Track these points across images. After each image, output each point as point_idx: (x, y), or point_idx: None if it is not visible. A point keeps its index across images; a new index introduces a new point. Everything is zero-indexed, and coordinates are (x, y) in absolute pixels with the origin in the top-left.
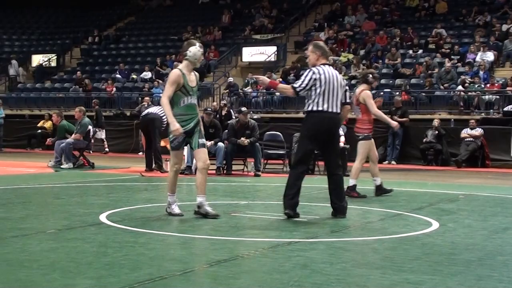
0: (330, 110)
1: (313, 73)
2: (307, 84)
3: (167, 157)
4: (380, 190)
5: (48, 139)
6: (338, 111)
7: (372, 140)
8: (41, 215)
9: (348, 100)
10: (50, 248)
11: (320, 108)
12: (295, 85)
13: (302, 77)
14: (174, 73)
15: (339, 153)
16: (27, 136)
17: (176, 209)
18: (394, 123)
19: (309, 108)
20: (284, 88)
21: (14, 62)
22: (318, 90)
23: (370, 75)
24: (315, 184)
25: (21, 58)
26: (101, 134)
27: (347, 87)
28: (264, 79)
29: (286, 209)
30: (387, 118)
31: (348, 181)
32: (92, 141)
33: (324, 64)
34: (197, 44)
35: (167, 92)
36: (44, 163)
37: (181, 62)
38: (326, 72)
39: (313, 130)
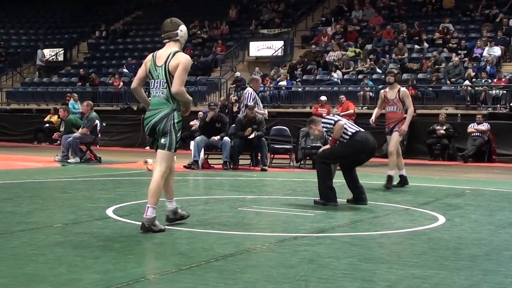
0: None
1: None
2: None
3: None
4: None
5: (55, 134)
6: None
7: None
8: (48, 209)
9: None
10: (57, 242)
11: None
12: None
13: None
14: (189, 59)
15: None
16: (34, 130)
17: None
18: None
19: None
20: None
21: (39, 51)
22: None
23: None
24: None
25: (28, 52)
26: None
27: None
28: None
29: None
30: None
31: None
32: (99, 135)
33: None
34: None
35: (184, 80)
36: (51, 157)
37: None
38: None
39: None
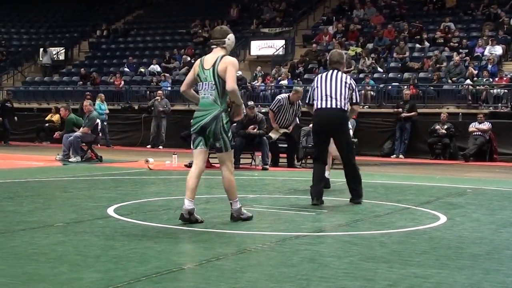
0: (327, 106)
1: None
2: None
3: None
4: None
5: (56, 133)
6: (334, 106)
7: None
8: (49, 209)
9: (357, 100)
10: (58, 242)
11: (317, 107)
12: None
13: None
14: (236, 60)
15: (347, 144)
16: (36, 129)
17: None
18: None
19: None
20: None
21: (49, 50)
22: (314, 91)
23: None
24: None
25: (30, 51)
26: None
27: (355, 86)
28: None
29: (312, 199)
30: None
31: None
32: (100, 134)
33: (333, 69)
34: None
35: (235, 79)
36: (52, 157)
37: (189, 55)
38: (321, 76)
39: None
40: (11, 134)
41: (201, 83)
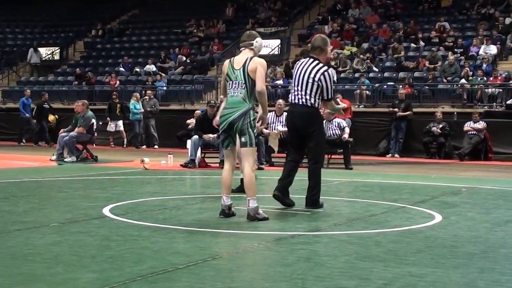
0: (294, 101)
1: None
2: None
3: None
4: None
5: (61, 130)
6: (302, 102)
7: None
8: (44, 209)
9: (328, 96)
10: (54, 242)
11: (290, 101)
12: None
13: None
14: (264, 62)
15: (315, 146)
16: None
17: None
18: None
19: None
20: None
21: (39, 49)
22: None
23: None
24: None
25: (25, 51)
26: (118, 127)
27: (324, 81)
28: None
29: (274, 190)
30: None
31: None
32: (96, 134)
33: (310, 57)
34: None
35: (265, 80)
36: (47, 157)
37: (185, 54)
38: (298, 65)
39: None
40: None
41: (231, 82)
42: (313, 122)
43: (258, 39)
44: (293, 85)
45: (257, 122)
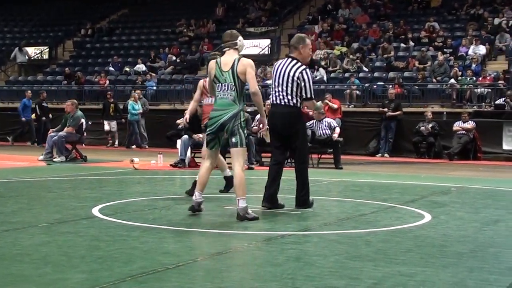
0: (276, 102)
1: None
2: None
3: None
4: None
5: (50, 130)
6: (284, 102)
7: None
8: (33, 209)
9: (307, 95)
10: (42, 242)
11: (270, 101)
12: None
13: None
14: (252, 62)
15: (300, 146)
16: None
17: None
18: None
19: None
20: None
21: (25, 49)
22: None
23: None
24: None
25: (13, 50)
26: (111, 127)
27: (302, 80)
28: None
29: (263, 201)
30: None
31: None
32: (85, 134)
33: (288, 57)
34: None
35: (256, 80)
36: (36, 157)
37: (175, 54)
38: (277, 65)
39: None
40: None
41: (219, 84)
42: (296, 122)
43: (241, 37)
44: (273, 86)
45: (258, 126)
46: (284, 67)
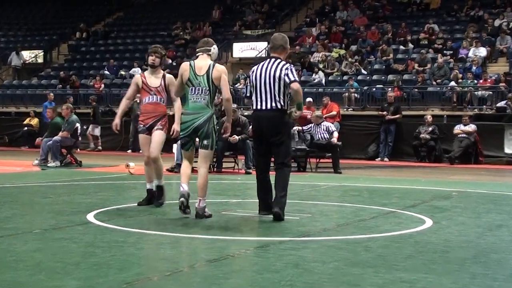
0: (260, 107)
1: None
2: (246, 85)
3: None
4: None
5: (37, 139)
6: (269, 107)
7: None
8: (27, 215)
9: (290, 79)
10: (37, 248)
11: (254, 107)
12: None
13: None
14: (225, 69)
15: (284, 149)
16: (20, 133)
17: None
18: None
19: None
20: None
21: (21, 53)
22: (251, 89)
23: None
24: (307, 182)
25: (7, 54)
26: (97, 131)
27: (286, 75)
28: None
29: (260, 211)
30: None
31: None
32: (80, 138)
33: (270, 58)
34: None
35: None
36: (31, 162)
37: (170, 57)
38: (257, 67)
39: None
40: None
41: (193, 87)
42: (282, 126)
43: (215, 46)
44: (255, 91)
45: (224, 130)
46: (268, 68)
